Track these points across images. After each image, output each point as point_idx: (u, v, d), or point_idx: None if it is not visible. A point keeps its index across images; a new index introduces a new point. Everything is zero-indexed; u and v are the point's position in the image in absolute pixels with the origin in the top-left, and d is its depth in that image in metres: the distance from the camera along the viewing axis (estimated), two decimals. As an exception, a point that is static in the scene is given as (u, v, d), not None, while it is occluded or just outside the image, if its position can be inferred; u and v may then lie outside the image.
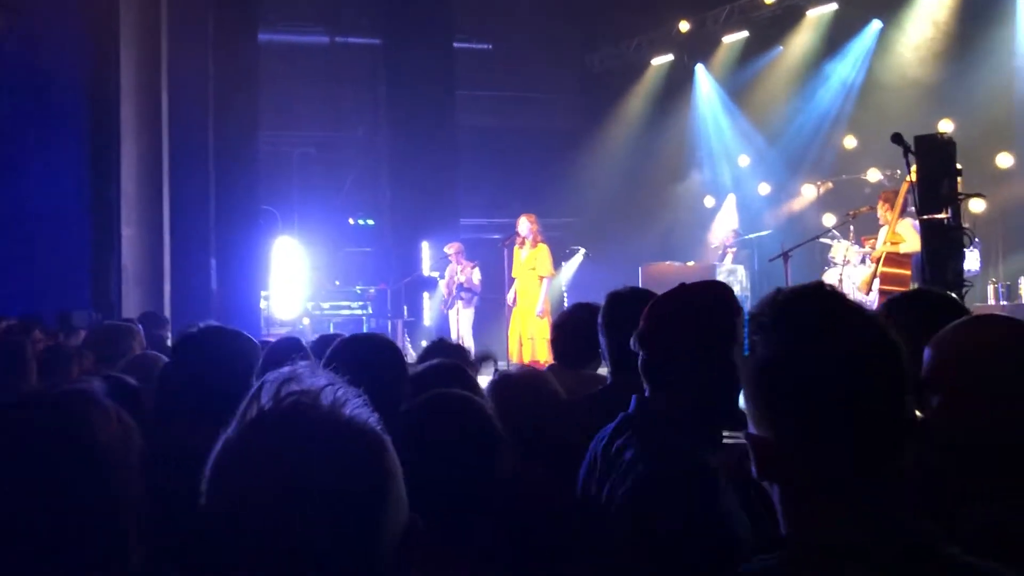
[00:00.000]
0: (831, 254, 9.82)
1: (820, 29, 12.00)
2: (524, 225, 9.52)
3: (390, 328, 11.87)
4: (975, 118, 9.98)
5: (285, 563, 0.90)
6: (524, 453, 1.91)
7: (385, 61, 13.63)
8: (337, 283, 12.68)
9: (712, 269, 10.65)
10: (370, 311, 12.10)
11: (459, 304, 10.38)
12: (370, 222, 13.87)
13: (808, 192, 11.97)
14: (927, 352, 1.51)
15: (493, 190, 13.83)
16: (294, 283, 12.11)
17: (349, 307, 12.09)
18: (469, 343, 10.30)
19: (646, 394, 1.87)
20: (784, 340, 1.10)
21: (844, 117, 11.92)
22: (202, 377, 2.12)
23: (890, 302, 2.20)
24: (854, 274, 9.16)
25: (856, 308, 1.14)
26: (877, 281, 7.49)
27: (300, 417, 0.95)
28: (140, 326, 4.52)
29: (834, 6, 11.75)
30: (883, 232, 7.78)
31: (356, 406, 0.98)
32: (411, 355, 10.14)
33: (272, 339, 3.61)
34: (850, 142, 11.90)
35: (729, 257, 11.43)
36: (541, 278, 9.39)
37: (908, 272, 7.39)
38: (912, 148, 5.73)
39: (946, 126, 9.45)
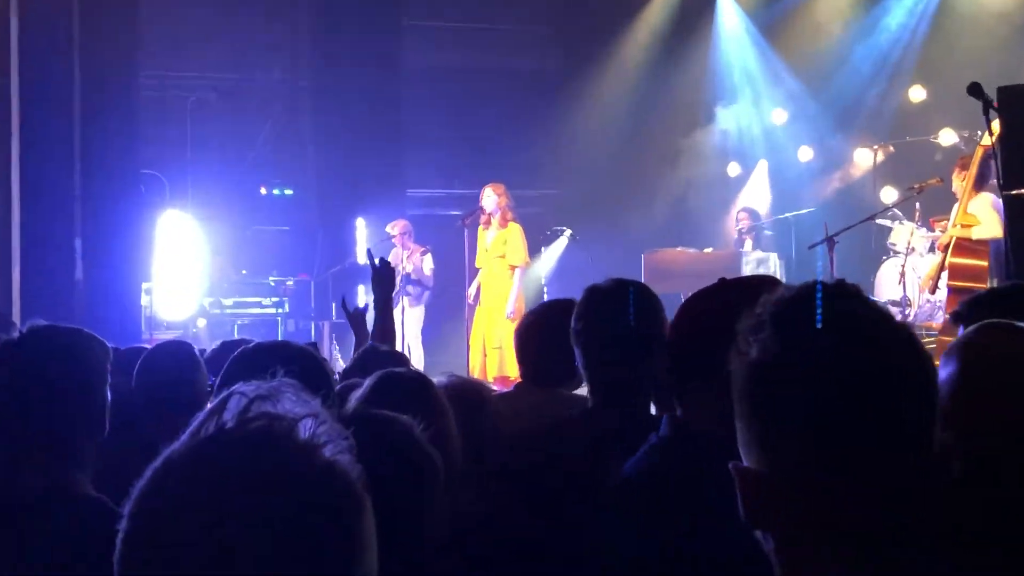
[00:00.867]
0: (891, 240, 9.91)
1: (879, -56, 12.20)
2: (490, 198, 9.61)
3: (314, 332, 11.92)
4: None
5: None
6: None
7: (310, -20, 13.75)
8: (244, 272, 12.65)
9: (737, 258, 10.76)
10: (287, 310, 12.12)
11: (405, 301, 10.42)
12: (288, 192, 13.87)
13: (862, 158, 12.07)
14: (950, 364, 1.64)
15: (450, 152, 13.85)
16: (186, 272, 12.04)
17: (260, 304, 12.10)
18: (418, 352, 10.35)
19: (678, 413, 1.98)
20: (786, 343, 1.15)
21: (910, 61, 12.06)
22: (16, 400, 2.07)
23: (965, 306, 2.16)
24: (921, 265, 9.23)
25: (883, 312, 1.20)
26: (944, 275, 7.47)
27: (266, 448, 0.94)
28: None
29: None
30: (955, 211, 7.76)
31: (339, 449, 0.97)
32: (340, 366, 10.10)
33: (153, 345, 3.60)
34: (917, 94, 12.00)
35: (748, 243, 11.57)
36: (512, 268, 9.53)
37: (985, 263, 7.34)
38: (994, 102, 5.75)
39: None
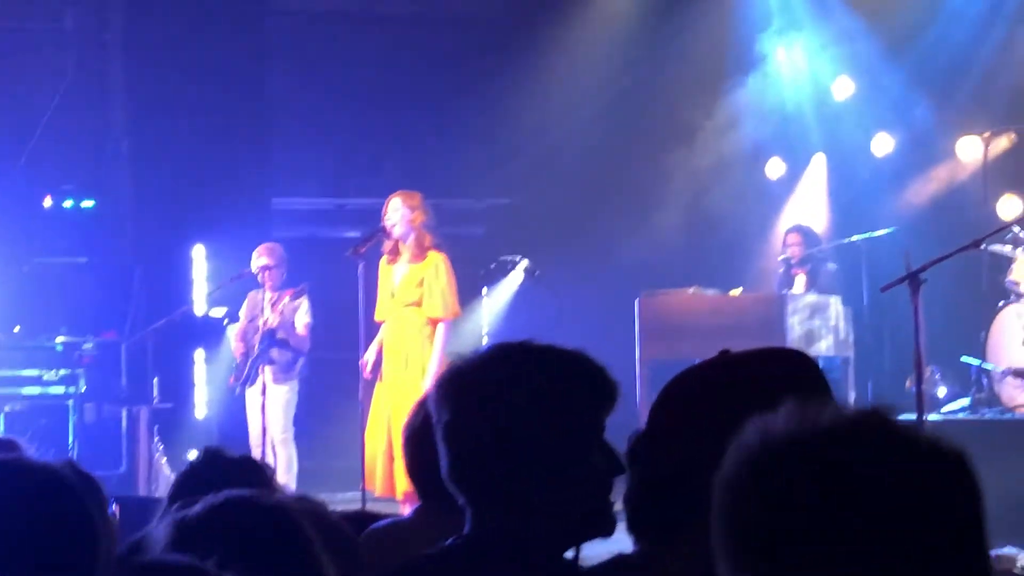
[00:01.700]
0: (1012, 276, 9.93)
1: None
2: (399, 214, 9.63)
3: (125, 423, 11.83)
4: None
5: None
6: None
7: None
8: (16, 330, 12.60)
9: (780, 305, 10.80)
10: (83, 388, 12.03)
11: (266, 375, 10.44)
12: (88, 204, 13.78)
13: (968, 151, 12.09)
14: None
15: (341, 144, 13.97)
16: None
17: (40, 380, 12.00)
18: (286, 456, 10.20)
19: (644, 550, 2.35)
20: (772, 516, 1.44)
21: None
22: None
23: None
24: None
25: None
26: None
27: None
28: None
29: None
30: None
31: None
32: (167, 480, 9.83)
33: None
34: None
35: (801, 281, 11.64)
36: (433, 323, 9.60)
37: None
38: None
39: None
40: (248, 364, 10.51)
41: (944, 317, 9.89)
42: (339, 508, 4.03)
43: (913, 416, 7.29)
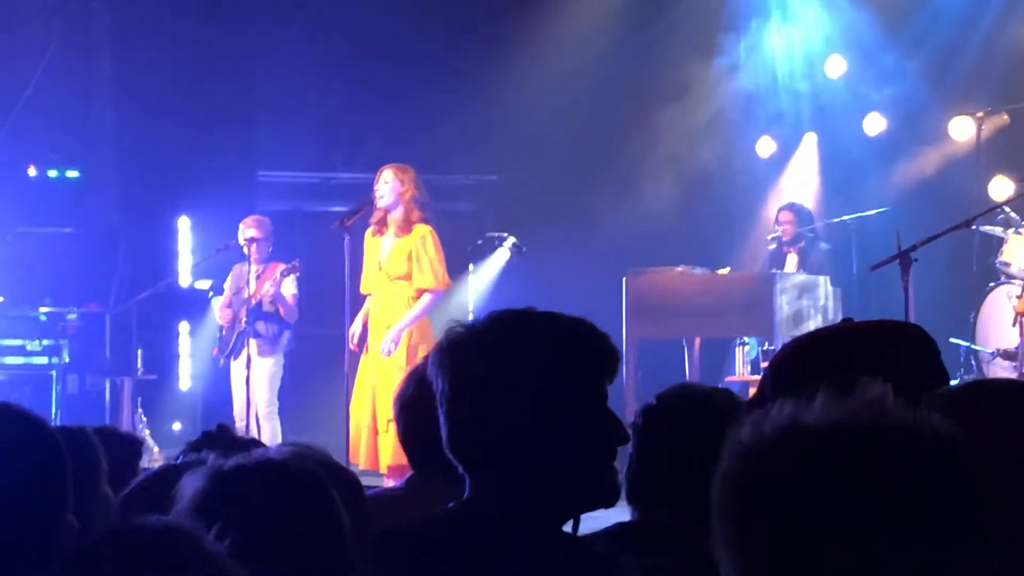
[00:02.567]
0: (1002, 257, 9.94)
1: None
2: (389, 185, 9.62)
3: (109, 394, 11.89)
4: None
5: None
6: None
7: None
8: (0, 299, 12.61)
9: (769, 283, 10.81)
10: (67, 359, 12.03)
11: (252, 347, 10.50)
12: (73, 175, 13.80)
13: (961, 131, 12.09)
14: None
15: (329, 116, 13.96)
16: None
17: (23, 351, 12.04)
18: (270, 429, 10.21)
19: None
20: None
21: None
22: None
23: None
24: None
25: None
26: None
27: None
28: None
29: None
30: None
31: None
32: (156, 458, 9.88)
33: None
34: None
35: (792, 260, 11.65)
36: (420, 293, 9.54)
37: None
38: None
39: None
40: (233, 336, 10.57)
41: (934, 298, 9.90)
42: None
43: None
